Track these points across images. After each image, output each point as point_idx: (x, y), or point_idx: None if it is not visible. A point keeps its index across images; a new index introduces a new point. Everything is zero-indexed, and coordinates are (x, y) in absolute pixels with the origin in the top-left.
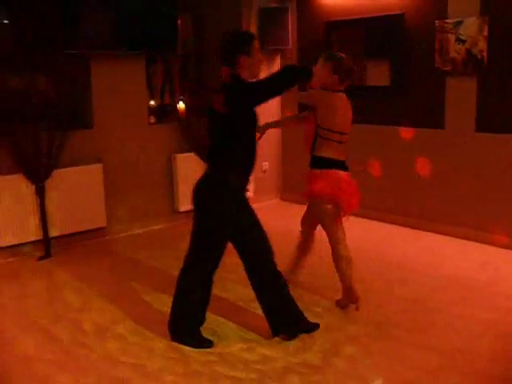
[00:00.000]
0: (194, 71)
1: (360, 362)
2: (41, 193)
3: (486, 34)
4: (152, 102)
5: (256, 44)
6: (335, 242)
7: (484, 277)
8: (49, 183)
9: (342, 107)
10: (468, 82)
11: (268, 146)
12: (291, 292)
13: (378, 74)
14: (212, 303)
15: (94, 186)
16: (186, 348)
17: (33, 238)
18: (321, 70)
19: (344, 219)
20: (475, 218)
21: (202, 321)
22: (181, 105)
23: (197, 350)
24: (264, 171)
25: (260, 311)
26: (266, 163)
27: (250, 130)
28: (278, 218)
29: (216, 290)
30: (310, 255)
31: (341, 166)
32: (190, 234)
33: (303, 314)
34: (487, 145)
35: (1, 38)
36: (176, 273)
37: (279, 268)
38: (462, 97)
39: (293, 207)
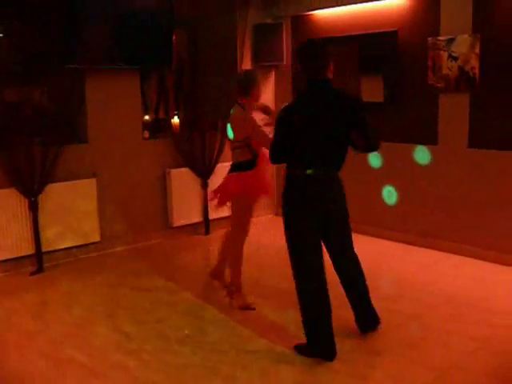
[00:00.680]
0: (189, 86)
1: (352, 376)
2: (34, 207)
3: (477, 51)
4: (146, 117)
5: None
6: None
7: (478, 293)
8: (42, 198)
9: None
10: (461, 99)
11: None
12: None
13: (372, 91)
14: None
15: (87, 200)
16: (183, 360)
17: (25, 253)
18: None
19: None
20: (469, 233)
21: None
22: (175, 119)
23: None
24: None
25: None
26: None
27: None
28: (273, 234)
29: None
30: None
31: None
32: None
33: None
34: (480, 161)
35: None
36: (171, 288)
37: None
38: (454, 113)
39: None
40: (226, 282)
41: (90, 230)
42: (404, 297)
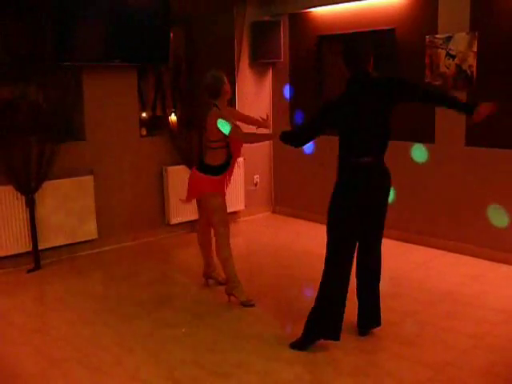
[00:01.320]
0: (186, 83)
1: (349, 374)
2: (31, 204)
3: (475, 49)
4: (144, 114)
5: None
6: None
7: (474, 290)
8: (39, 195)
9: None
10: (458, 97)
11: (259, 159)
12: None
13: None
14: None
15: (84, 197)
16: (179, 358)
17: (22, 250)
18: None
19: None
20: (465, 231)
21: None
22: (172, 117)
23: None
24: (255, 184)
25: None
26: (258, 176)
27: None
28: (270, 231)
29: None
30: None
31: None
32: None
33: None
34: (477, 159)
35: None
36: (167, 285)
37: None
38: (452, 111)
39: (284, 220)
40: (221, 278)
41: (87, 228)
42: (400, 294)
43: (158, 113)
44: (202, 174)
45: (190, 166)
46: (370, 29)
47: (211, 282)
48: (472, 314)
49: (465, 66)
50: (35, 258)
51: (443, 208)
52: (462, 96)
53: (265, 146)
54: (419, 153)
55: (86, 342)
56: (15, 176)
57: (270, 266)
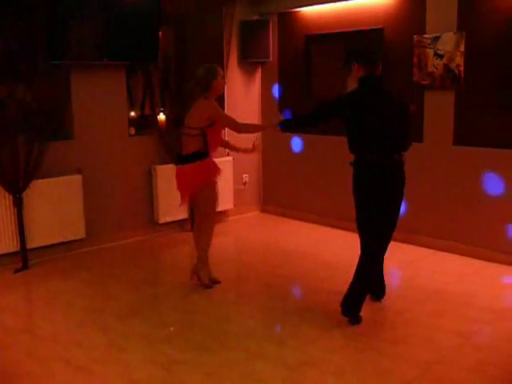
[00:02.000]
0: (175, 82)
1: (336, 373)
2: (18, 203)
3: (462, 49)
4: (132, 114)
5: None
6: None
7: (463, 289)
8: (27, 194)
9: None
10: (446, 96)
11: (248, 159)
12: None
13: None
14: None
15: (73, 197)
16: (168, 358)
17: (9, 250)
18: None
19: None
20: (454, 230)
21: None
22: (161, 116)
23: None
24: (244, 183)
25: None
26: (246, 175)
27: None
28: (259, 230)
29: None
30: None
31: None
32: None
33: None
34: (464, 158)
35: None
36: (156, 284)
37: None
38: (439, 111)
39: (273, 219)
40: (213, 276)
41: (75, 227)
42: (389, 293)
43: (147, 112)
44: (186, 166)
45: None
46: (359, 28)
47: (195, 279)
48: (460, 313)
49: (452, 66)
50: (23, 258)
51: (431, 207)
52: (449, 96)
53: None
54: None
55: (74, 341)
56: (3, 175)
57: (258, 264)
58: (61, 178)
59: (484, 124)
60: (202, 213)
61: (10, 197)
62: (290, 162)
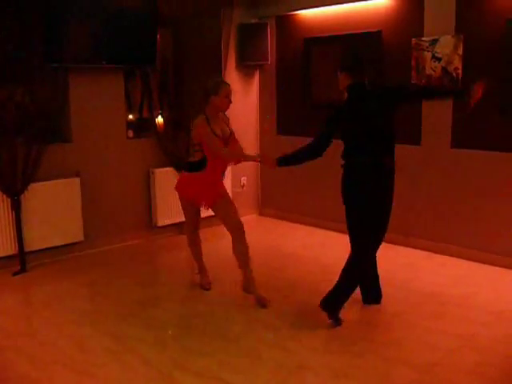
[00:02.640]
0: (173, 85)
1: (335, 376)
2: (16, 206)
3: (460, 52)
4: (130, 116)
5: None
6: None
7: (460, 291)
8: (25, 197)
9: None
10: (444, 99)
11: (246, 162)
12: None
13: None
14: None
15: (71, 200)
16: (166, 361)
17: (8, 253)
18: None
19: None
20: (451, 232)
21: None
22: (159, 119)
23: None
24: (242, 186)
25: None
26: (245, 178)
27: None
28: (257, 233)
29: None
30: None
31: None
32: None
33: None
34: (462, 161)
35: None
36: (154, 287)
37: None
38: (437, 113)
39: (271, 222)
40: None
41: (73, 230)
42: (387, 295)
43: (145, 115)
44: (183, 173)
45: (176, 168)
46: (357, 31)
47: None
48: (458, 315)
49: (450, 69)
50: (21, 261)
51: (429, 209)
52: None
53: (252, 148)
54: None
55: (72, 344)
56: (1, 178)
57: (257, 267)
58: (59, 180)
59: (482, 127)
60: (228, 222)
61: (8, 200)
62: None
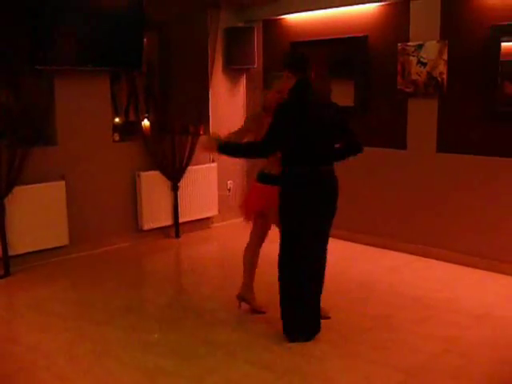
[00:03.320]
0: (160, 88)
1: (322, 379)
2: (1, 210)
3: (445, 57)
4: (117, 120)
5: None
6: None
7: (446, 295)
8: (9, 200)
9: None
10: (429, 104)
11: (233, 165)
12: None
13: (343, 95)
14: None
15: (56, 203)
16: (152, 365)
17: None
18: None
19: None
20: (437, 236)
21: None
22: (145, 122)
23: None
24: (229, 190)
25: None
26: (231, 182)
27: None
28: (243, 237)
29: None
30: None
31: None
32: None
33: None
34: (448, 165)
35: None
36: (140, 291)
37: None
38: (423, 118)
39: None
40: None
41: (58, 234)
42: (372, 299)
43: (131, 118)
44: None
45: (163, 172)
46: (343, 36)
47: (244, 305)
48: (444, 319)
49: (435, 74)
50: (5, 265)
51: (415, 213)
52: (433, 103)
53: None
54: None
55: (56, 349)
56: None
57: (238, 271)
58: (44, 184)
59: (467, 131)
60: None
61: None
62: None
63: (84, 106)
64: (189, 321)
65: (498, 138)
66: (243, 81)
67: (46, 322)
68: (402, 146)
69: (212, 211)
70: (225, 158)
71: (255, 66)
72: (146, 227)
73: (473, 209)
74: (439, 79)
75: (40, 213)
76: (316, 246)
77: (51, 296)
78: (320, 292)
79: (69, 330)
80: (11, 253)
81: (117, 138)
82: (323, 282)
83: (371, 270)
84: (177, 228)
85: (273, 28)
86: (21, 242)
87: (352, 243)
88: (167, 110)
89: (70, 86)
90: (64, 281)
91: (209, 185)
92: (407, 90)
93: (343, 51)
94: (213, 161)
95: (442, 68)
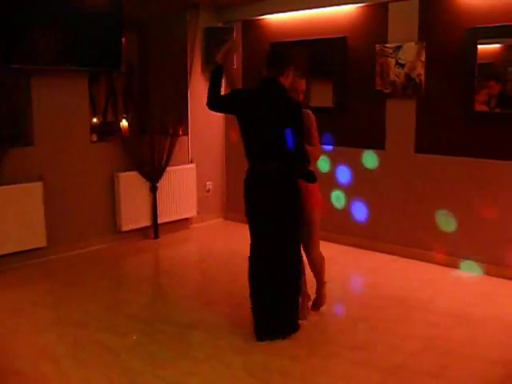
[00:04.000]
0: (139, 89)
1: (302, 379)
2: None
3: (423, 58)
4: (95, 120)
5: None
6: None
7: (424, 295)
8: None
9: None
10: (407, 105)
11: (212, 166)
12: None
13: (322, 96)
14: None
15: (33, 204)
16: (130, 367)
17: None
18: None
19: None
20: (415, 236)
21: None
22: (124, 123)
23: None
24: (208, 191)
25: None
26: (210, 183)
27: None
28: (222, 238)
29: None
30: None
31: None
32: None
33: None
34: (426, 165)
35: None
36: (118, 293)
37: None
38: (401, 119)
39: (236, 226)
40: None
41: (36, 235)
42: (351, 300)
43: (110, 118)
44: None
45: (141, 172)
46: (322, 37)
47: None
48: (422, 318)
49: (413, 75)
50: None
51: (394, 213)
52: (411, 104)
53: (217, 153)
54: (370, 159)
55: (35, 352)
56: None
57: (222, 272)
58: (21, 185)
59: (445, 133)
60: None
61: None
62: None
63: (62, 106)
64: (168, 322)
65: (475, 139)
66: (223, 81)
67: (24, 326)
68: (381, 146)
69: (191, 212)
70: (203, 160)
71: (234, 67)
72: (124, 228)
73: (451, 209)
74: (417, 80)
75: (17, 214)
76: (261, 246)
77: (29, 298)
78: (275, 297)
79: (48, 333)
80: None
81: (95, 138)
82: (279, 288)
83: (350, 271)
84: (156, 229)
85: (252, 28)
86: None
87: (330, 243)
88: (146, 111)
89: (48, 85)
90: (43, 283)
91: (188, 186)
92: (386, 90)
93: (322, 52)
94: (191, 161)
95: (420, 69)
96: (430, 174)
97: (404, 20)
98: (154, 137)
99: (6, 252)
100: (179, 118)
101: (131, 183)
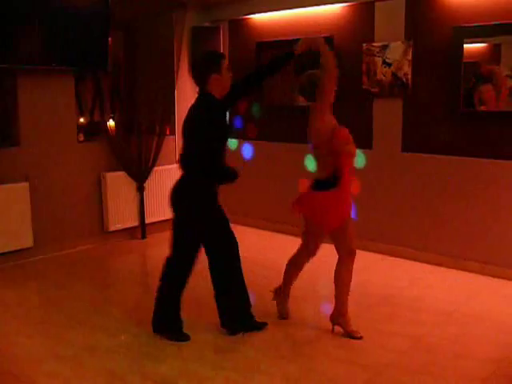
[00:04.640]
0: (125, 88)
1: (289, 379)
2: None
3: (410, 57)
4: (81, 120)
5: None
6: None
7: (411, 293)
8: None
9: None
10: (394, 104)
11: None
12: None
13: None
14: None
15: (20, 204)
16: (119, 368)
17: None
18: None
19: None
20: (402, 235)
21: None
22: (111, 122)
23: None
24: None
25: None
26: None
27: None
28: None
29: None
30: None
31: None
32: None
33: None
34: (413, 164)
35: None
36: (106, 293)
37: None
38: (388, 118)
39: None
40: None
41: (22, 236)
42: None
43: (96, 118)
44: (317, 193)
45: (128, 172)
46: (309, 36)
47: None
48: (410, 317)
49: (400, 74)
50: None
51: (381, 212)
52: (398, 103)
53: None
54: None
55: (21, 354)
56: None
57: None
58: (7, 185)
59: (431, 131)
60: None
61: None
62: (240, 169)
63: (48, 105)
64: None
65: (461, 138)
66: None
67: (10, 327)
68: (368, 145)
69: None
70: None
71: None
72: (111, 228)
73: (437, 208)
74: (404, 79)
75: (3, 215)
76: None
77: (15, 299)
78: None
79: (35, 334)
80: None
81: (81, 138)
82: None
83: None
84: (143, 229)
85: (238, 28)
86: None
87: None
88: (133, 110)
89: (34, 85)
90: (29, 284)
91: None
92: (372, 90)
93: (309, 51)
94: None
95: (407, 68)
96: (417, 173)
97: (390, 19)
98: (141, 136)
99: None
100: (166, 117)
101: (118, 183)
